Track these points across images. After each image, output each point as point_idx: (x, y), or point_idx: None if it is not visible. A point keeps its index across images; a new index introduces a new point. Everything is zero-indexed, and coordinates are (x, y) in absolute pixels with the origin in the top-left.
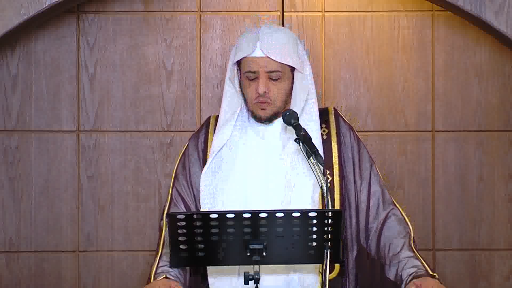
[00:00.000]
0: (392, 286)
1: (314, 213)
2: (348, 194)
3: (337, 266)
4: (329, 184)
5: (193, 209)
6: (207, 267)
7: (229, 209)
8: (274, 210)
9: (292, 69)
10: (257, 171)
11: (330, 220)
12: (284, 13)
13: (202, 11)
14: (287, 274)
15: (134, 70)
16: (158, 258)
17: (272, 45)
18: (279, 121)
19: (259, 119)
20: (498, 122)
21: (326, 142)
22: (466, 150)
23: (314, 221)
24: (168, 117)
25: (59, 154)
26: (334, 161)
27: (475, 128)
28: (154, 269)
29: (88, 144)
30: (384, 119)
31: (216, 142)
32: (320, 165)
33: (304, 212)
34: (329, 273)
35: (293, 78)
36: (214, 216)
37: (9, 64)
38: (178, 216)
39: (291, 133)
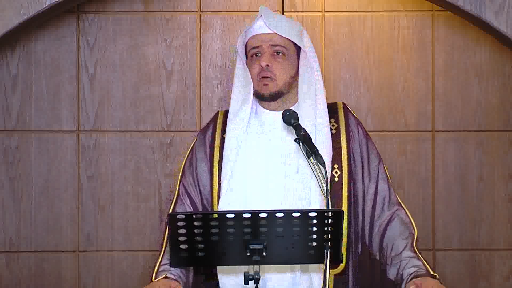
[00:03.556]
0: (392, 287)
1: (314, 213)
2: (356, 190)
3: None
4: (337, 179)
5: (199, 205)
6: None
7: (229, 209)
8: (274, 210)
9: (298, 54)
10: (257, 171)
11: (330, 220)
12: (284, 13)
13: (202, 11)
14: (293, 272)
15: (134, 70)
16: (161, 255)
17: (276, 21)
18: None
19: (262, 97)
20: (498, 122)
21: (335, 137)
22: (466, 150)
23: (314, 221)
24: (168, 117)
25: (59, 154)
26: (343, 156)
27: (475, 128)
28: (157, 267)
29: (88, 144)
30: (384, 119)
31: (233, 133)
32: (320, 165)
33: (304, 212)
34: (335, 267)
35: (298, 66)
36: (214, 216)
37: (9, 64)
38: (178, 216)
39: (292, 133)
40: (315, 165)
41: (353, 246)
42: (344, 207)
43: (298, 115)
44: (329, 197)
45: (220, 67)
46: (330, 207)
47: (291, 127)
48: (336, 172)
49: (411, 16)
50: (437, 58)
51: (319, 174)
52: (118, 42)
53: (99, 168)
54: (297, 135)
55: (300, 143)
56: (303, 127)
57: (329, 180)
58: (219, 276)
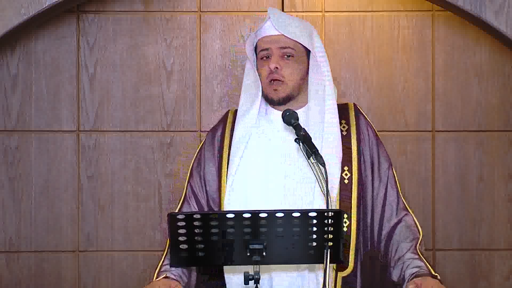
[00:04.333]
0: (392, 287)
1: (314, 213)
2: (365, 192)
3: (351, 263)
4: (347, 181)
5: (205, 206)
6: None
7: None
8: (274, 210)
9: (308, 55)
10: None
11: (330, 220)
12: None
13: (202, 11)
14: (301, 271)
15: (134, 70)
16: (164, 255)
17: (283, 23)
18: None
19: (272, 102)
20: (498, 122)
21: (346, 138)
22: (466, 150)
23: (314, 221)
24: (168, 117)
25: (59, 154)
26: (353, 158)
27: (475, 128)
28: (159, 267)
29: (88, 144)
30: (384, 119)
31: (238, 132)
32: (320, 165)
33: (304, 212)
34: (343, 269)
35: (308, 66)
36: (214, 216)
37: (9, 64)
38: (178, 216)
39: (292, 133)
40: (315, 165)
41: (361, 248)
42: (354, 209)
43: (307, 117)
44: (329, 197)
45: (220, 67)
46: (330, 207)
47: (291, 127)
48: (346, 174)
49: (411, 16)
50: (437, 58)
51: (319, 174)
52: (118, 42)
53: (99, 168)
54: (297, 135)
55: (300, 143)
56: (310, 128)
57: (329, 180)
58: (225, 275)
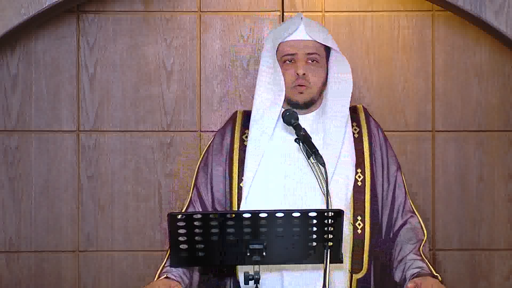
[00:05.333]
0: (393, 286)
1: (314, 213)
2: (375, 193)
3: (365, 264)
4: (360, 183)
5: (209, 207)
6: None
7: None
8: (274, 210)
9: (326, 61)
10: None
11: (330, 220)
12: (284, 13)
13: (202, 11)
14: (313, 270)
15: (134, 70)
16: (166, 256)
17: (315, 29)
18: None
19: (296, 105)
20: (498, 122)
21: (358, 141)
22: (466, 150)
23: (314, 221)
24: (168, 117)
25: (59, 154)
26: (365, 160)
27: (475, 128)
28: (161, 268)
29: (88, 144)
30: (384, 119)
31: (254, 135)
32: (320, 165)
33: (304, 212)
34: (358, 271)
35: (327, 73)
36: (214, 216)
37: (9, 64)
38: (178, 216)
39: (292, 133)
40: (315, 165)
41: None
42: (367, 211)
43: (325, 118)
44: (329, 197)
45: (220, 67)
46: (330, 207)
47: (291, 127)
48: (359, 176)
49: (411, 16)
50: (437, 58)
51: (319, 174)
52: (118, 42)
53: (99, 168)
54: (297, 135)
55: (300, 143)
56: (326, 129)
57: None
58: (239, 274)
